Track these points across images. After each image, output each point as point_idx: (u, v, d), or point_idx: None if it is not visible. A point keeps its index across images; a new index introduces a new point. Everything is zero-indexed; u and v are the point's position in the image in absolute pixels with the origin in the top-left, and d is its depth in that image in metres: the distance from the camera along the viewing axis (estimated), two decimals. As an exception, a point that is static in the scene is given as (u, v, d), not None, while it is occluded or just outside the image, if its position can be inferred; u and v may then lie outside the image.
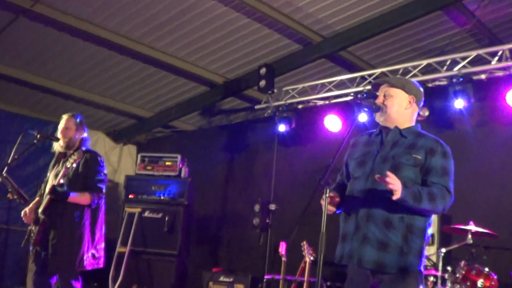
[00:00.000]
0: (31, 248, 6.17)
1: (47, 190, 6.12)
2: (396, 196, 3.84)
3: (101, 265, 6.40)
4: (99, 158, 6.37)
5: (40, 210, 6.11)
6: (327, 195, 3.96)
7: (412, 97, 4.30)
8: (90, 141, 6.61)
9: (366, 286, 4.17)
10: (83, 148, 6.31)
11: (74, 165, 5.87)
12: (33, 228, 6.18)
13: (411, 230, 4.02)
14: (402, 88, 4.29)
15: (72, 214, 6.09)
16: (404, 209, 3.98)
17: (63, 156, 6.37)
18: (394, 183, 3.82)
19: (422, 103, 4.44)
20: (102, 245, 6.40)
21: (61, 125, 6.40)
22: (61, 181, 5.92)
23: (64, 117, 6.44)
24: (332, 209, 4.18)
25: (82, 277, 6.29)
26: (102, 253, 6.38)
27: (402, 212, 4.00)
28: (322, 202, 3.99)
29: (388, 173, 3.86)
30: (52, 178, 6.22)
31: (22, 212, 6.32)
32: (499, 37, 7.93)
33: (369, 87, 8.10)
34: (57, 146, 6.41)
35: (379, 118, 4.31)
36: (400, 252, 3.99)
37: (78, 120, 6.44)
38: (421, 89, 4.40)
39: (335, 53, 8.54)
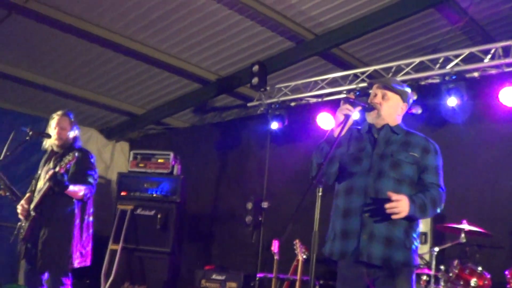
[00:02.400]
0: (20, 244, 6.17)
1: (38, 185, 6.13)
2: (402, 215, 4.00)
3: (88, 263, 6.39)
4: (90, 158, 6.37)
5: (31, 206, 6.10)
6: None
7: (406, 105, 4.47)
8: (81, 139, 6.58)
9: (360, 284, 4.20)
10: (76, 147, 6.30)
11: (68, 166, 5.83)
12: (23, 224, 6.17)
13: (411, 226, 4.17)
14: (401, 95, 4.41)
15: (63, 212, 6.09)
16: None
17: (55, 153, 6.35)
18: (398, 206, 3.96)
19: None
20: (90, 243, 6.39)
21: (55, 125, 6.32)
22: (62, 171, 5.87)
23: (56, 116, 6.37)
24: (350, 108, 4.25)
25: (75, 274, 6.29)
26: (89, 251, 6.37)
27: None
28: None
29: (391, 194, 3.96)
30: (44, 175, 6.19)
31: (19, 207, 6.27)
32: (491, 35, 7.94)
33: (362, 84, 8.10)
34: (49, 144, 6.38)
35: (371, 117, 4.37)
36: (404, 247, 4.11)
37: (71, 118, 6.41)
38: (412, 99, 4.64)
39: (328, 51, 8.53)
